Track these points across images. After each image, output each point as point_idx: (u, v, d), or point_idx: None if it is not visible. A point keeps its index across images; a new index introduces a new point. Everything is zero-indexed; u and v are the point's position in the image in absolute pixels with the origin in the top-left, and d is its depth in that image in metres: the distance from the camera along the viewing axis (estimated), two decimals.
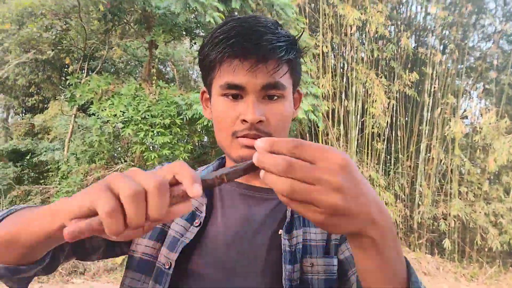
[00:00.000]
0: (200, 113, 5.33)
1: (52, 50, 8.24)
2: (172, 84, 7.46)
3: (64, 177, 7.49)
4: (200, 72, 0.80)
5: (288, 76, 0.75)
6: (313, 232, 0.78)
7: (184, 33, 6.60)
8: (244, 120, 0.72)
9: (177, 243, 0.73)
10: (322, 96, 6.72)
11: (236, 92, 0.72)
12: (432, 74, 7.56)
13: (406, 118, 8.02)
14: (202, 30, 6.54)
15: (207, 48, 0.73)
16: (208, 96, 0.82)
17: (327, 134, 7.44)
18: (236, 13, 6.73)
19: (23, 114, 12.29)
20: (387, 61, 7.70)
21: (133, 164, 7.31)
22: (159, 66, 7.49)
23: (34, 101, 11.52)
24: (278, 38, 0.70)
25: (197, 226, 0.76)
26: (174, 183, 0.44)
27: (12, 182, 8.45)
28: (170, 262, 0.72)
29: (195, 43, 6.85)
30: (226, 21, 0.73)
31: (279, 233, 0.75)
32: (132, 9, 6.74)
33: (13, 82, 10.69)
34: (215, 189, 0.83)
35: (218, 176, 0.46)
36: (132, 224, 0.42)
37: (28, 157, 9.05)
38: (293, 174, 0.41)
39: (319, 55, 7.30)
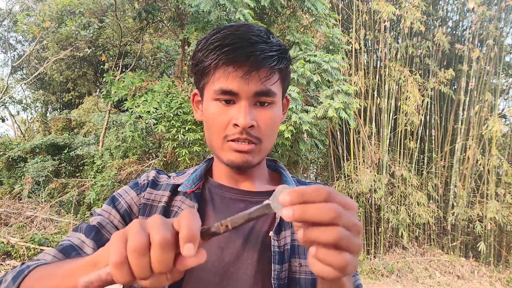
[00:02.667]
0: None
1: (89, 48, 8.46)
2: None
3: (99, 171, 7.69)
4: (193, 76, 0.83)
5: (278, 83, 0.78)
6: None
7: None
8: (236, 125, 0.74)
9: None
10: (354, 93, 6.64)
11: (229, 98, 0.75)
12: (468, 71, 7.31)
13: (441, 117, 7.79)
14: None
15: (201, 54, 0.76)
16: (199, 98, 0.85)
17: (359, 132, 7.33)
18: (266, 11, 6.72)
19: (61, 110, 12.68)
20: (422, 58, 7.50)
21: (165, 159, 7.45)
22: (191, 63, 7.56)
23: (71, 97, 11.88)
24: (270, 48, 0.73)
25: None
26: None
27: (50, 175, 8.68)
28: None
29: None
30: (220, 29, 0.76)
31: (270, 234, 0.77)
32: (166, 7, 6.84)
33: (50, 78, 11.04)
34: (205, 194, 0.84)
35: (223, 223, 0.47)
36: (137, 276, 0.43)
37: (65, 151, 9.33)
38: (339, 220, 0.43)
39: (351, 52, 7.20)
